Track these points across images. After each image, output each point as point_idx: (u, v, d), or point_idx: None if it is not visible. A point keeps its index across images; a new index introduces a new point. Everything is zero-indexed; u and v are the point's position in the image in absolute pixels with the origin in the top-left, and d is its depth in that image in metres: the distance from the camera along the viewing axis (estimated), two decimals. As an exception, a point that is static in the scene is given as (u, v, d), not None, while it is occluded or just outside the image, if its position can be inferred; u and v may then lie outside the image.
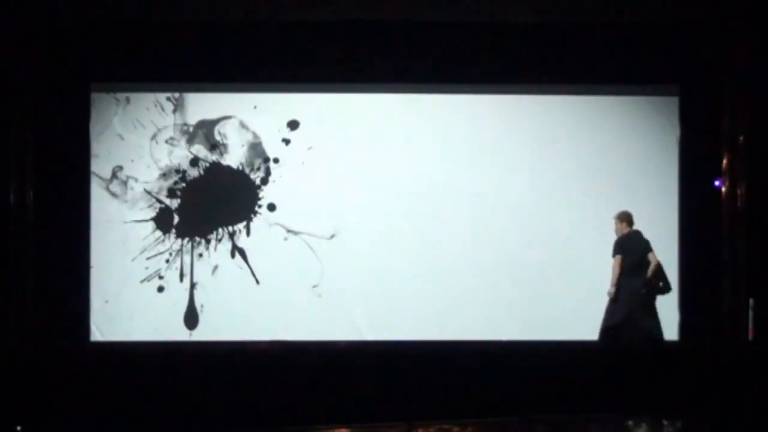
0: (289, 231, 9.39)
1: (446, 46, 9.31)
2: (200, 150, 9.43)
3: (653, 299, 8.94)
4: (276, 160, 9.43)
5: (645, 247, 8.91)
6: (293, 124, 9.45)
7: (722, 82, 9.29)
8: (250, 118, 9.46)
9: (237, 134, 9.45)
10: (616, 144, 9.45)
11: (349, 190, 9.43)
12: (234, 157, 9.44)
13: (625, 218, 8.99)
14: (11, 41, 8.97)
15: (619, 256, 8.86)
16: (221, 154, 9.44)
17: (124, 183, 9.38)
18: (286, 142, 9.44)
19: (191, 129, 9.45)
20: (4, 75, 8.97)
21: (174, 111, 9.44)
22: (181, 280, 9.33)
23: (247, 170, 9.44)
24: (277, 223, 9.39)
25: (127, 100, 9.42)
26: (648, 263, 8.86)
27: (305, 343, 9.22)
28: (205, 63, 9.32)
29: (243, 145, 9.45)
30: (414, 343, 9.22)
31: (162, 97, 9.44)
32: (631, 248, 8.89)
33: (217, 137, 9.44)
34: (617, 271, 8.84)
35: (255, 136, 9.46)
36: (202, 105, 9.46)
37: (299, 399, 8.84)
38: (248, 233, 9.37)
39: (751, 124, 9.14)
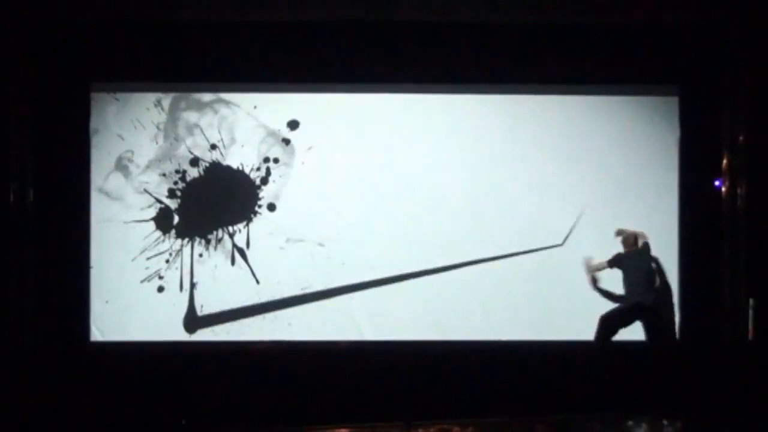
0: (289, 231, 9.38)
1: (446, 46, 9.30)
2: (200, 150, 9.43)
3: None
4: (276, 160, 9.43)
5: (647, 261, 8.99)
6: (293, 124, 9.45)
7: (722, 82, 9.29)
8: (250, 118, 9.45)
9: (237, 134, 9.44)
10: (616, 144, 9.45)
11: (350, 190, 9.42)
12: (234, 157, 9.44)
13: (631, 239, 9.06)
14: (11, 41, 8.97)
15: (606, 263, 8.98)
16: (221, 154, 9.44)
17: (124, 183, 9.37)
18: (286, 142, 9.44)
19: (191, 129, 9.44)
20: (4, 75, 8.98)
21: (174, 111, 9.44)
22: (181, 280, 9.32)
23: (247, 170, 9.43)
24: (277, 224, 9.39)
25: (127, 99, 9.41)
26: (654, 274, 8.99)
27: (305, 343, 9.24)
28: (205, 63, 9.31)
29: (243, 146, 9.45)
30: (414, 343, 9.23)
31: (162, 97, 9.43)
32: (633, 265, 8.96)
33: (218, 137, 9.44)
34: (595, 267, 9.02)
35: (255, 136, 9.46)
36: (203, 105, 9.45)
37: (299, 399, 8.85)
38: (248, 236, 9.36)
39: (751, 124, 9.14)
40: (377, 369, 9.02)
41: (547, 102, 9.46)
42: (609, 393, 8.57)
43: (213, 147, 9.44)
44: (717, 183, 9.32)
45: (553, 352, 9.07)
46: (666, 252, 9.27)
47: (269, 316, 9.30)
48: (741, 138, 9.17)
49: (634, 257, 8.97)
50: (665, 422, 8.30)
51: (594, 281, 9.13)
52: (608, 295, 9.09)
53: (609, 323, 8.78)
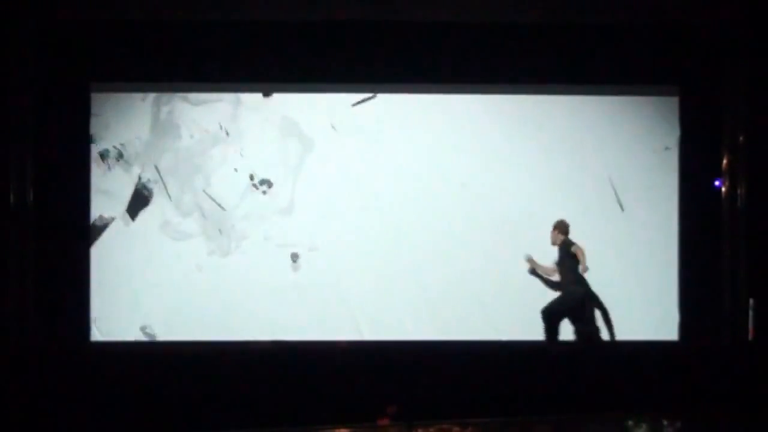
0: (287, 233, 9.38)
1: (446, 46, 9.31)
2: (200, 150, 9.42)
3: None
4: (275, 162, 9.42)
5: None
6: (292, 125, 9.44)
7: (722, 82, 9.30)
8: (249, 119, 9.45)
9: (236, 135, 9.44)
10: (616, 144, 9.45)
11: (348, 190, 9.42)
12: (233, 158, 9.43)
13: (560, 227, 9.06)
14: (11, 41, 8.98)
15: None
16: (221, 154, 9.43)
17: (124, 182, 9.37)
18: (286, 143, 9.43)
19: (192, 129, 9.44)
20: (4, 75, 8.98)
21: (174, 110, 9.43)
22: (181, 280, 9.32)
23: (245, 172, 9.42)
24: (275, 226, 9.39)
25: (127, 99, 9.41)
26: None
27: (305, 343, 9.23)
28: (206, 63, 9.31)
29: (242, 146, 9.43)
30: (414, 343, 9.23)
31: (162, 96, 9.42)
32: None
33: (217, 137, 9.43)
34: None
35: (254, 137, 9.45)
36: (203, 104, 9.44)
37: (299, 399, 8.86)
38: (246, 238, 9.36)
39: (751, 124, 9.15)
40: (377, 369, 9.02)
41: (547, 102, 9.46)
42: (609, 393, 8.57)
43: (213, 147, 9.43)
44: (717, 183, 9.33)
45: (552, 352, 9.07)
46: (666, 252, 9.28)
47: (268, 317, 9.29)
48: (741, 138, 9.18)
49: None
50: (665, 422, 8.29)
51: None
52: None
53: (551, 315, 8.95)
